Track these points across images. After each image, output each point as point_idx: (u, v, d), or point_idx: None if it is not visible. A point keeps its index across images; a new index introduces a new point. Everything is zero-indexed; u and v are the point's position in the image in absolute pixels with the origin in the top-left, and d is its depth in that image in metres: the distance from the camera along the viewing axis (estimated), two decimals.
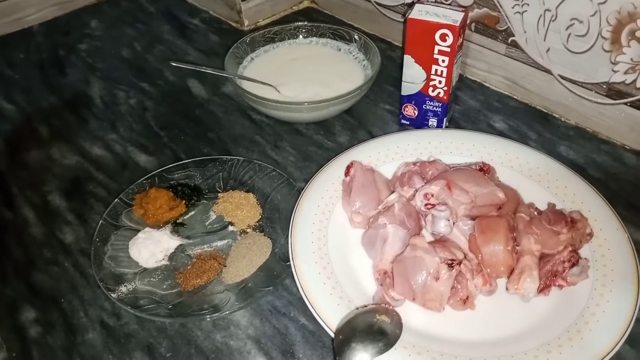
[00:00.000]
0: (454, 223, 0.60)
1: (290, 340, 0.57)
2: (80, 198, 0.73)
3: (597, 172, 0.74)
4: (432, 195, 0.62)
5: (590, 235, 0.61)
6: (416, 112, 0.79)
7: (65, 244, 0.67)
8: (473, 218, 0.61)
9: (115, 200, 0.69)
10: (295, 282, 0.59)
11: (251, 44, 0.89)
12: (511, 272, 0.57)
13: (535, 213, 0.62)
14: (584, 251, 0.60)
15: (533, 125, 0.81)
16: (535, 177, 0.69)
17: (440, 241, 0.60)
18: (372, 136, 0.80)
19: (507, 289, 0.57)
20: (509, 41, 0.82)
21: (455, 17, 0.70)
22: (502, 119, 0.83)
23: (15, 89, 0.93)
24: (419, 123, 0.80)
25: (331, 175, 0.70)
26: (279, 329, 0.58)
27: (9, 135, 0.85)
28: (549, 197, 0.66)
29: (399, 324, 0.55)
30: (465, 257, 0.57)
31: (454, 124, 0.82)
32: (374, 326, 0.54)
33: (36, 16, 1.11)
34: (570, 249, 0.57)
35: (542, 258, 0.58)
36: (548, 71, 0.80)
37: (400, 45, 0.99)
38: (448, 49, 0.71)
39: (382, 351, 0.52)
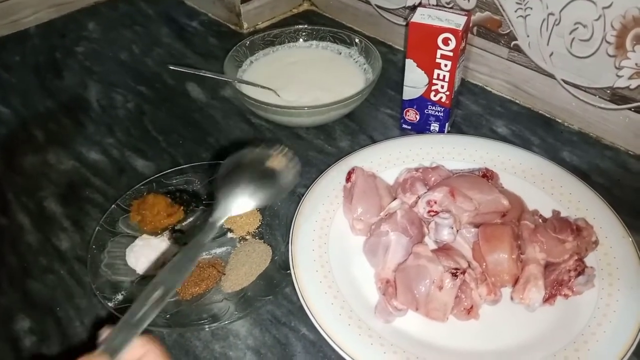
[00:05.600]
0: (457, 231, 0.59)
1: (291, 350, 0.56)
2: (77, 204, 0.72)
3: (600, 178, 0.73)
4: (435, 202, 0.60)
5: (596, 243, 0.60)
6: (418, 117, 0.78)
7: (61, 251, 0.66)
8: (477, 225, 0.60)
9: (112, 206, 0.68)
10: (295, 291, 0.57)
11: (251, 47, 0.88)
12: (516, 281, 0.56)
13: (540, 221, 0.61)
14: (589, 259, 0.59)
15: (536, 130, 0.80)
16: (539, 183, 0.68)
17: (443, 249, 0.59)
18: (373, 141, 0.79)
19: (512, 298, 0.56)
20: (512, 45, 0.81)
21: (458, 21, 0.69)
22: (504, 123, 0.82)
23: (11, 92, 0.92)
24: (421, 128, 0.79)
25: (332, 181, 0.69)
26: (279, 339, 0.57)
27: (5, 140, 0.83)
28: (554, 204, 0.65)
29: (295, 174, 0.53)
30: (469, 266, 0.56)
31: (456, 129, 0.81)
32: (266, 171, 0.52)
33: (32, 18, 1.10)
34: (576, 257, 0.56)
35: (547, 267, 0.57)
36: (551, 75, 0.79)
37: (401, 48, 0.98)
38: (451, 54, 0.70)
39: (268, 200, 0.51)
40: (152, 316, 0.40)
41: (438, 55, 0.71)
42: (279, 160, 0.54)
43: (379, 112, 0.85)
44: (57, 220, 0.70)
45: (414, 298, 0.54)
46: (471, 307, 0.55)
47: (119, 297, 0.58)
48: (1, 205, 0.72)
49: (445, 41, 0.69)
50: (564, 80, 0.78)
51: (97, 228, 0.65)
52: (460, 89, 0.83)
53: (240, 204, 0.51)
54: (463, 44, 0.71)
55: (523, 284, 0.55)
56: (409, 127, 0.80)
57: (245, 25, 1.05)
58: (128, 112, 0.88)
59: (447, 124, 0.78)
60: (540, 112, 0.84)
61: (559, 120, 0.82)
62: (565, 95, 0.79)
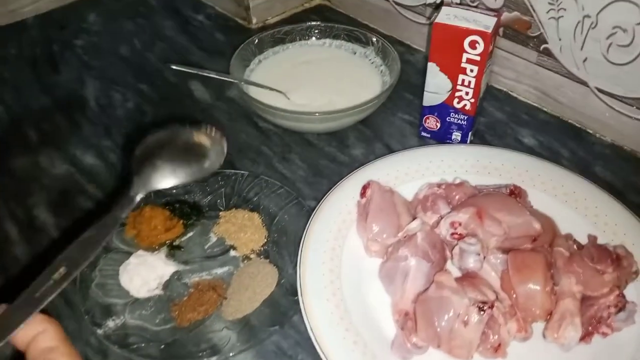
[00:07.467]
0: (484, 257, 0.54)
1: None
2: (69, 213, 0.67)
3: (636, 196, 0.67)
4: (460, 224, 0.55)
5: (637, 273, 0.54)
6: (439, 125, 0.72)
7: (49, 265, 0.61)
8: (505, 251, 0.54)
9: None
10: (303, 320, 0.52)
11: (259, 45, 0.82)
12: (549, 316, 0.51)
13: (575, 247, 0.55)
14: (627, 291, 0.53)
15: (565, 142, 0.74)
16: (572, 202, 0.62)
17: (468, 277, 0.53)
18: (389, 149, 0.74)
19: (544, 336, 0.50)
20: (541, 48, 0.75)
21: (486, 22, 0.63)
22: (531, 133, 0.76)
23: (4, 87, 0.87)
24: (441, 136, 0.73)
25: (345, 195, 0.63)
26: None
27: None
28: (588, 227, 0.59)
29: (219, 152, 0.50)
30: (497, 298, 0.51)
31: (479, 138, 0.75)
32: (188, 148, 0.50)
33: (31, 8, 1.04)
34: (617, 292, 0.50)
35: (584, 301, 0.51)
36: (584, 83, 0.73)
37: (420, 48, 0.92)
38: (478, 58, 0.64)
39: (194, 176, 0.48)
40: (53, 294, 0.38)
41: (464, 60, 0.65)
42: (204, 138, 0.51)
43: (396, 118, 0.79)
44: (47, 230, 0.65)
45: (435, 334, 0.49)
46: (499, 345, 0.49)
47: (110, 323, 0.53)
48: None
49: (473, 44, 0.63)
50: (597, 89, 0.72)
51: None
52: (484, 95, 0.77)
53: (160, 179, 0.48)
54: (491, 47, 0.65)
55: (558, 321, 0.49)
56: (429, 135, 0.75)
57: (254, 20, 0.99)
58: (127, 111, 0.82)
59: (469, 133, 0.72)
60: (570, 121, 0.78)
61: (590, 131, 0.76)
62: (599, 104, 0.73)
